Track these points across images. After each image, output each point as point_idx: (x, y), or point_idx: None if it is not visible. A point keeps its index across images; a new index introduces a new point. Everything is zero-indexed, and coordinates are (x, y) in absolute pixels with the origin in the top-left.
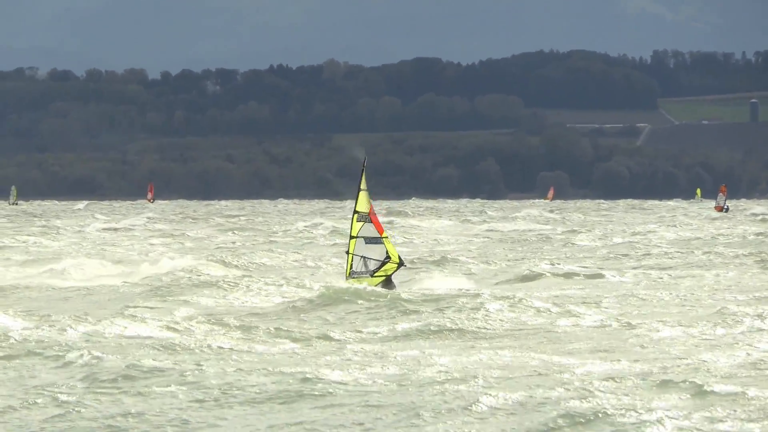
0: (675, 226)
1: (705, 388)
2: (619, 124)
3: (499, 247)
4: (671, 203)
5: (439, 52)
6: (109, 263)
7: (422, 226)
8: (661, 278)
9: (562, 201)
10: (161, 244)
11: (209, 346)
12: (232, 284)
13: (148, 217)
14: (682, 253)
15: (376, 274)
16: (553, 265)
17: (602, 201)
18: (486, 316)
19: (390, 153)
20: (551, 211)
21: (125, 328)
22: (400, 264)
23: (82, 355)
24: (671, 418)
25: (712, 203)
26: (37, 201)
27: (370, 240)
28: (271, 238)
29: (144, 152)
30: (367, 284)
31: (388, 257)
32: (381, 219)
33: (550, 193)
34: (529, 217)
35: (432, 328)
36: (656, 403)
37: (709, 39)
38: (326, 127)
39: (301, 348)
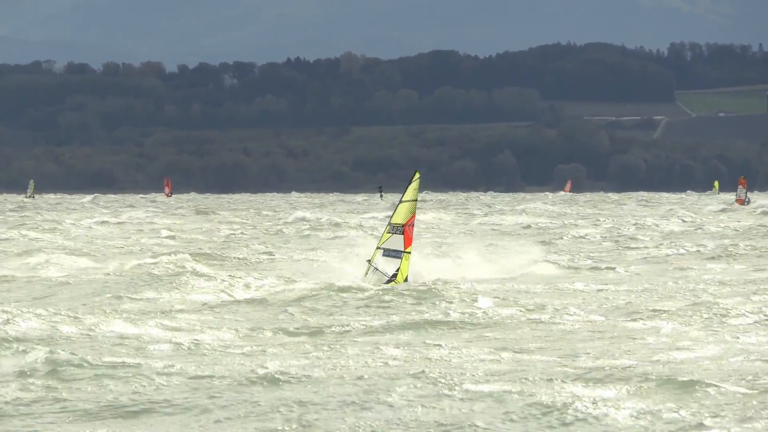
0: (679, 219)
1: (681, 381)
2: (636, 116)
3: (488, 239)
4: (684, 196)
5: (456, 44)
6: (85, 257)
7: (419, 219)
8: (648, 271)
9: (572, 194)
10: (152, 237)
11: (170, 340)
12: (210, 277)
13: (151, 210)
14: (676, 245)
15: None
16: (535, 261)
17: (612, 194)
18: (448, 307)
19: (407, 146)
20: (554, 204)
21: (87, 321)
22: (390, 278)
23: (40, 350)
24: (646, 413)
25: (728, 195)
26: (51, 194)
27: (388, 252)
28: (266, 232)
29: (161, 145)
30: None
31: (395, 274)
32: (386, 213)
33: (568, 186)
34: (534, 210)
35: (396, 320)
36: (634, 398)
37: (725, 31)
38: (343, 120)
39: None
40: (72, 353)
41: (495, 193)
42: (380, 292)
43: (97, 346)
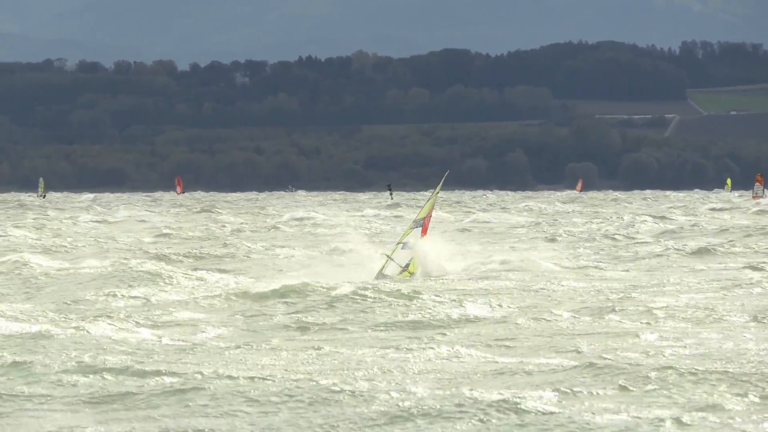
0: (674, 217)
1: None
2: (647, 115)
3: (466, 239)
4: (689, 194)
5: (467, 43)
6: (64, 255)
7: (408, 218)
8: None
9: (576, 193)
10: (139, 234)
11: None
12: (167, 278)
13: (148, 209)
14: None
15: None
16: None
17: (619, 192)
18: (406, 306)
19: (418, 144)
20: (552, 203)
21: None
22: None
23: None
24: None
25: (737, 194)
26: (59, 193)
27: (406, 246)
28: (256, 230)
29: (172, 144)
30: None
31: (407, 265)
32: (386, 211)
33: (579, 185)
34: (531, 208)
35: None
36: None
37: (737, 29)
38: (355, 119)
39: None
40: (32, 352)
41: (500, 192)
42: (352, 292)
43: (60, 345)
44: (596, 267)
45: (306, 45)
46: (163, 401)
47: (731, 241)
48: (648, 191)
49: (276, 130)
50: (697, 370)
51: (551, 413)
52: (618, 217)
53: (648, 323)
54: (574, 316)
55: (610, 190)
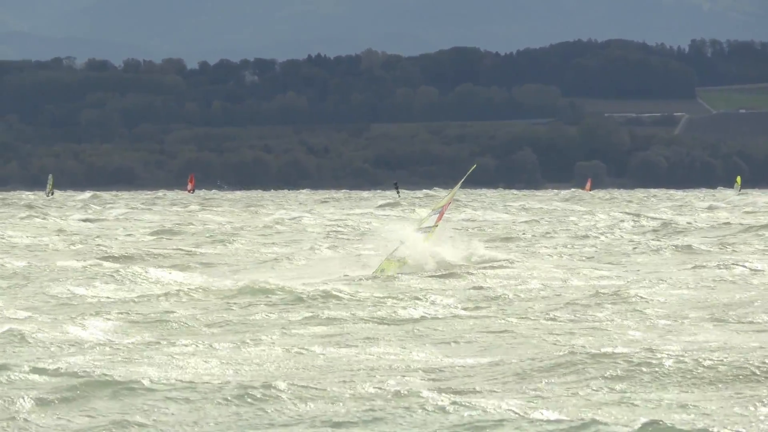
0: (667, 216)
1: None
2: (656, 113)
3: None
4: (692, 192)
5: (476, 41)
6: (32, 254)
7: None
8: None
9: (579, 191)
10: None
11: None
12: (125, 277)
13: (144, 207)
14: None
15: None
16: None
17: (623, 191)
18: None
19: (427, 143)
20: (550, 202)
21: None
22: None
23: None
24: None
25: (746, 192)
26: (69, 191)
27: (422, 230)
28: (241, 229)
29: (181, 142)
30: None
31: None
32: (384, 211)
33: (588, 184)
34: (526, 207)
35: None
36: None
37: (746, 28)
38: (364, 117)
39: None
40: None
41: (504, 190)
42: (316, 290)
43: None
44: (586, 264)
45: (315, 43)
46: (105, 402)
47: (723, 237)
48: (655, 190)
49: (285, 128)
50: (685, 366)
51: (539, 409)
52: (610, 216)
53: (638, 320)
54: (562, 313)
55: (620, 189)
